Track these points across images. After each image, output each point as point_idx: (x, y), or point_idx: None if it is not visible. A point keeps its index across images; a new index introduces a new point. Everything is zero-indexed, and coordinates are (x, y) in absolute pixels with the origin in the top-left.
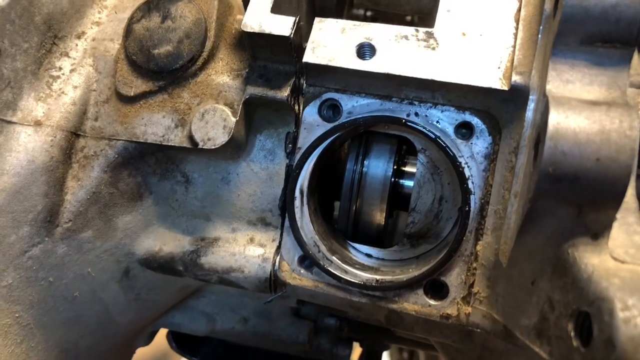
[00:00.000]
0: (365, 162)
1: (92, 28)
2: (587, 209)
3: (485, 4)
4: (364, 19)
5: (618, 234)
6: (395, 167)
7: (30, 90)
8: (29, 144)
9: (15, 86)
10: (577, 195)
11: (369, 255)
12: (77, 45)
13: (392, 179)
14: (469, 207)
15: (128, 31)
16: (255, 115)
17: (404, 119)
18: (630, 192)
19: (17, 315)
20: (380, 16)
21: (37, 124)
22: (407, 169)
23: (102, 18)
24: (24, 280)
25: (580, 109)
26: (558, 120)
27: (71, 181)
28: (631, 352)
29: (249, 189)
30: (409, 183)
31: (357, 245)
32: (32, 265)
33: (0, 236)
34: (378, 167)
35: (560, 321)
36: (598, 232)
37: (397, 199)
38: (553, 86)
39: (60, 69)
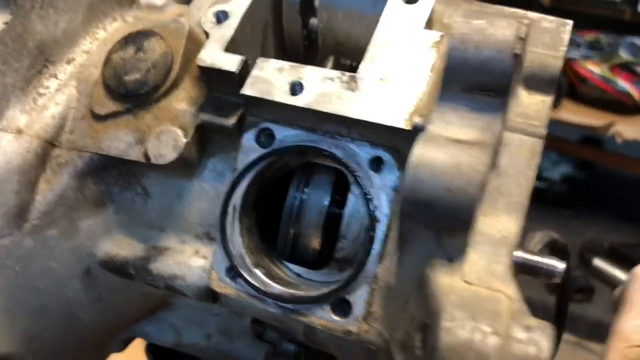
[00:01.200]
0: (306, 190)
1: (81, 55)
2: (443, 233)
3: (408, 55)
4: (350, 69)
5: (480, 261)
6: (332, 198)
7: (17, 104)
8: (8, 148)
9: (3, 98)
10: (433, 220)
11: (298, 275)
12: (65, 69)
13: (329, 209)
14: (374, 233)
15: (107, 59)
16: (210, 141)
17: (324, 149)
18: (515, 230)
19: None
20: None
21: (19, 131)
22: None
23: (92, 48)
24: None
25: (444, 145)
26: (421, 152)
27: (42, 184)
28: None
29: (198, 205)
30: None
31: (290, 265)
32: (1, 254)
33: None
34: (317, 196)
35: (413, 333)
36: (453, 256)
37: (333, 227)
38: (434, 126)
39: (47, 87)
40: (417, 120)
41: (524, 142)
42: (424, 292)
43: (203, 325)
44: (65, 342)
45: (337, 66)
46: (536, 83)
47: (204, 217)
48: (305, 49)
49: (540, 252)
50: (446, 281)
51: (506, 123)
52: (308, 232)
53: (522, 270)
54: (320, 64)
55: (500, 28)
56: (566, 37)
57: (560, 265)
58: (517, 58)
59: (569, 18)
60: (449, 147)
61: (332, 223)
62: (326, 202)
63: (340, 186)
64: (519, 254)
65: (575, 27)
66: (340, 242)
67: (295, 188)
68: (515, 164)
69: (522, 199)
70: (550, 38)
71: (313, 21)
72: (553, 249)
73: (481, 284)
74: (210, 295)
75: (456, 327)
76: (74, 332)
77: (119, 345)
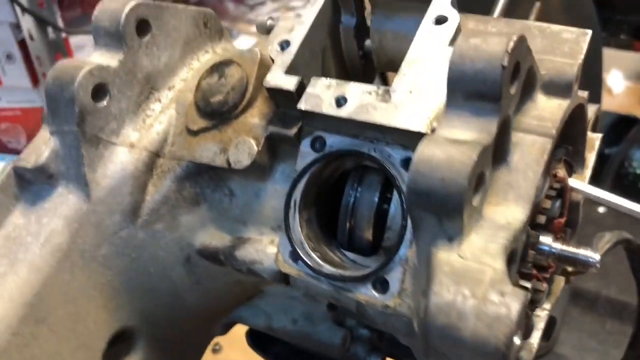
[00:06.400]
0: (359, 189)
1: (180, 83)
2: (443, 217)
3: (433, 71)
4: None
5: (478, 241)
6: (381, 195)
7: (130, 123)
8: (124, 159)
9: (119, 120)
10: (433, 207)
11: (354, 262)
12: (167, 94)
13: (378, 205)
14: (406, 222)
15: (198, 85)
16: (279, 149)
17: (365, 152)
18: (520, 217)
19: (109, 278)
20: None
21: (131, 145)
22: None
23: (188, 76)
24: (114, 253)
25: (442, 144)
26: (422, 150)
27: (150, 187)
28: (435, 319)
29: (272, 203)
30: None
31: (348, 253)
32: (120, 243)
33: (100, 219)
34: (368, 194)
35: (420, 300)
36: (452, 236)
37: (383, 220)
38: (440, 129)
39: (153, 110)
40: (436, 125)
41: (535, 141)
42: (428, 266)
43: (289, 311)
44: (174, 320)
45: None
46: (554, 88)
47: (277, 213)
48: (363, 68)
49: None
50: (444, 256)
51: (521, 125)
52: (361, 225)
53: (559, 261)
54: (381, 80)
55: (492, 44)
56: (584, 46)
57: (595, 256)
58: (505, 69)
59: None
60: (445, 145)
61: (381, 217)
62: (375, 199)
63: (389, 185)
64: (557, 245)
65: None
66: (387, 233)
67: (350, 187)
68: (525, 161)
69: (530, 191)
70: (570, 47)
71: (368, 43)
72: (627, 250)
73: (473, 258)
74: (282, 277)
75: (443, 291)
76: (181, 312)
77: (222, 329)
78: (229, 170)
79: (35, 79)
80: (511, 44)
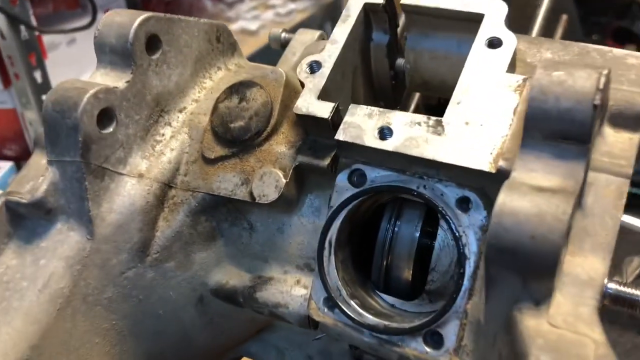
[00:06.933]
0: (397, 223)
1: (192, 104)
2: (529, 279)
3: (491, 99)
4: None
5: (566, 304)
6: (422, 231)
7: (138, 151)
8: (132, 191)
9: (127, 147)
10: (518, 267)
11: (392, 306)
12: (178, 117)
13: (419, 241)
14: (464, 270)
15: (214, 108)
16: (307, 179)
17: (414, 189)
18: (602, 270)
19: (114, 322)
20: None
21: (140, 176)
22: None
23: (200, 97)
24: (121, 296)
25: (527, 193)
26: (505, 201)
27: (161, 222)
28: None
29: (298, 239)
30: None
31: (384, 296)
32: (127, 284)
33: (105, 259)
34: (407, 229)
35: None
36: (540, 299)
37: (424, 259)
38: (517, 173)
39: (163, 135)
40: (502, 163)
41: (610, 182)
42: (511, 333)
43: (304, 347)
44: (180, 359)
45: (423, 106)
46: (623, 121)
47: (303, 250)
48: (393, 88)
49: (635, 283)
50: (532, 324)
51: (592, 162)
52: (400, 263)
53: (615, 303)
54: (407, 100)
55: (580, 79)
56: None
57: None
58: (597, 108)
59: None
60: (532, 195)
61: (422, 255)
62: (417, 235)
63: (430, 219)
64: (612, 285)
65: None
66: (431, 274)
67: (387, 221)
68: (601, 204)
69: (609, 239)
70: (637, 74)
71: (399, 61)
72: None
73: (567, 327)
74: (310, 323)
75: None
76: (188, 352)
77: None
78: (250, 204)
79: (6, 80)
80: (602, 80)
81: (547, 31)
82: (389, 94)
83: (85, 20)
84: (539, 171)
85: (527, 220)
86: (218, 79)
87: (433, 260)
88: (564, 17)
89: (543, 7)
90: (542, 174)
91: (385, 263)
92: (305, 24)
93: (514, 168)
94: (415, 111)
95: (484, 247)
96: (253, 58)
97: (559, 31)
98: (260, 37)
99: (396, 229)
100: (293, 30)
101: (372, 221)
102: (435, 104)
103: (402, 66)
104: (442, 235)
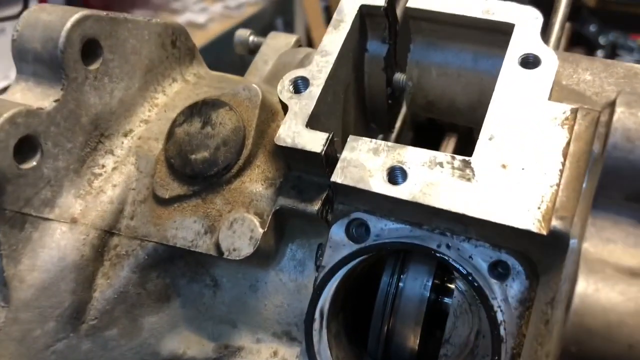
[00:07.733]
0: (402, 277)
1: (140, 126)
2: None
3: (532, 134)
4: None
5: None
6: (433, 288)
7: (71, 188)
8: (62, 241)
9: (56, 184)
10: None
11: None
12: (122, 143)
13: (429, 301)
14: (499, 356)
15: (170, 134)
16: (288, 224)
17: (433, 249)
18: None
19: None
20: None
21: (73, 221)
22: (446, 294)
23: (151, 116)
24: None
25: (615, 280)
26: (587, 292)
27: (101, 279)
28: None
29: (276, 300)
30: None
31: None
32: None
33: (25, 330)
34: (415, 285)
35: None
36: None
37: (434, 323)
38: (590, 244)
39: (103, 166)
40: (556, 223)
41: None
42: None
43: None
44: None
45: (411, 124)
46: None
47: (282, 313)
48: (389, 108)
49: None
50: None
51: None
52: (404, 328)
53: None
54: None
55: None
56: None
57: None
58: None
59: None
60: (623, 283)
61: (433, 319)
62: (426, 294)
63: (441, 274)
64: None
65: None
66: (444, 347)
67: (389, 275)
68: None
69: None
70: None
71: (397, 76)
72: None
73: None
74: None
75: None
76: None
77: None
78: (212, 255)
79: None
80: None
81: None
82: (382, 115)
83: (16, 9)
84: (619, 243)
85: (622, 323)
86: (173, 93)
87: (447, 330)
88: (567, 25)
89: None
90: (624, 247)
91: (385, 328)
92: (256, 18)
93: (584, 236)
94: (402, 129)
95: (530, 329)
96: (200, 54)
97: (562, 39)
98: (208, 31)
99: (401, 284)
100: (243, 24)
101: (371, 274)
102: (424, 121)
103: (399, 82)
104: (459, 298)
